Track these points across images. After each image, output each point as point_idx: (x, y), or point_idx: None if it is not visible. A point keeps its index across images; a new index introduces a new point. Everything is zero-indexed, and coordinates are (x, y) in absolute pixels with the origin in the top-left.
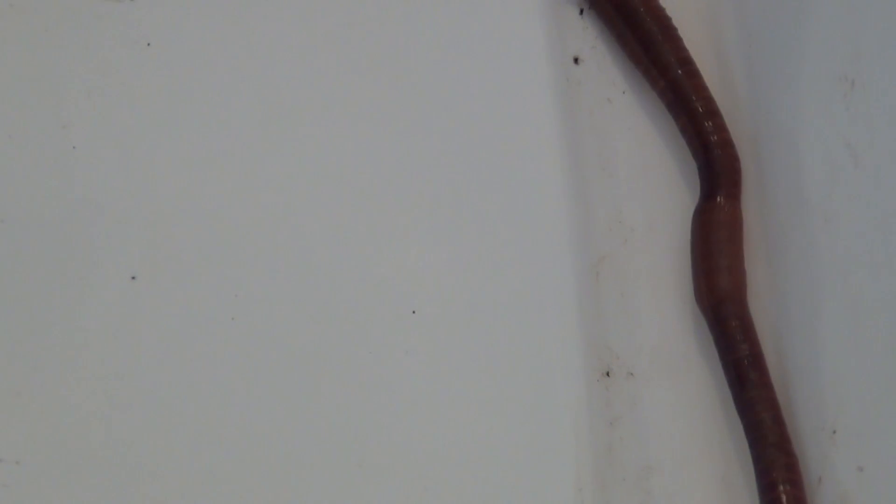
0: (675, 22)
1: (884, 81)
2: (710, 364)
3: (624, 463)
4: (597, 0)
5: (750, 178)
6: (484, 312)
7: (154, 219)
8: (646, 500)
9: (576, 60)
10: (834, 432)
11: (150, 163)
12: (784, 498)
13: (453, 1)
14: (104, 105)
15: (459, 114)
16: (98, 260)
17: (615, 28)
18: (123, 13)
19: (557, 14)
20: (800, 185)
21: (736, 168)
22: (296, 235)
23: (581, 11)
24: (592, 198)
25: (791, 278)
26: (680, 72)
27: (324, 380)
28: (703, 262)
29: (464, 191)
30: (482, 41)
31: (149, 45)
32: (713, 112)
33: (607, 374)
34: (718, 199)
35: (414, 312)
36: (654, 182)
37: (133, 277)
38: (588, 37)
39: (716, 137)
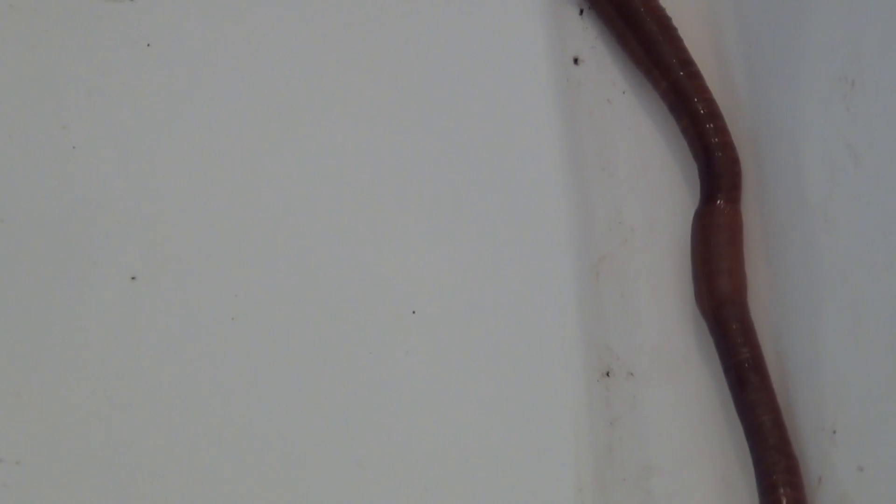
0: (675, 22)
1: (884, 81)
2: (710, 364)
3: (624, 463)
4: (597, 0)
5: (750, 178)
6: (484, 313)
7: (154, 219)
8: (646, 500)
9: (576, 61)
10: (834, 432)
11: (150, 163)
12: (784, 500)
13: (453, 1)
14: (104, 105)
15: (459, 114)
16: (98, 260)
17: (615, 28)
18: (123, 13)
19: (557, 14)
20: (800, 185)
21: (736, 171)
22: (296, 235)
23: (581, 12)
24: (592, 198)
25: (791, 278)
26: (682, 73)
27: (324, 380)
28: (704, 265)
29: (464, 191)
30: (482, 41)
31: (149, 45)
32: (715, 114)
33: (607, 374)
34: (719, 201)
35: (414, 313)
36: (654, 182)
37: (133, 277)
38: (588, 37)
39: (717, 140)
